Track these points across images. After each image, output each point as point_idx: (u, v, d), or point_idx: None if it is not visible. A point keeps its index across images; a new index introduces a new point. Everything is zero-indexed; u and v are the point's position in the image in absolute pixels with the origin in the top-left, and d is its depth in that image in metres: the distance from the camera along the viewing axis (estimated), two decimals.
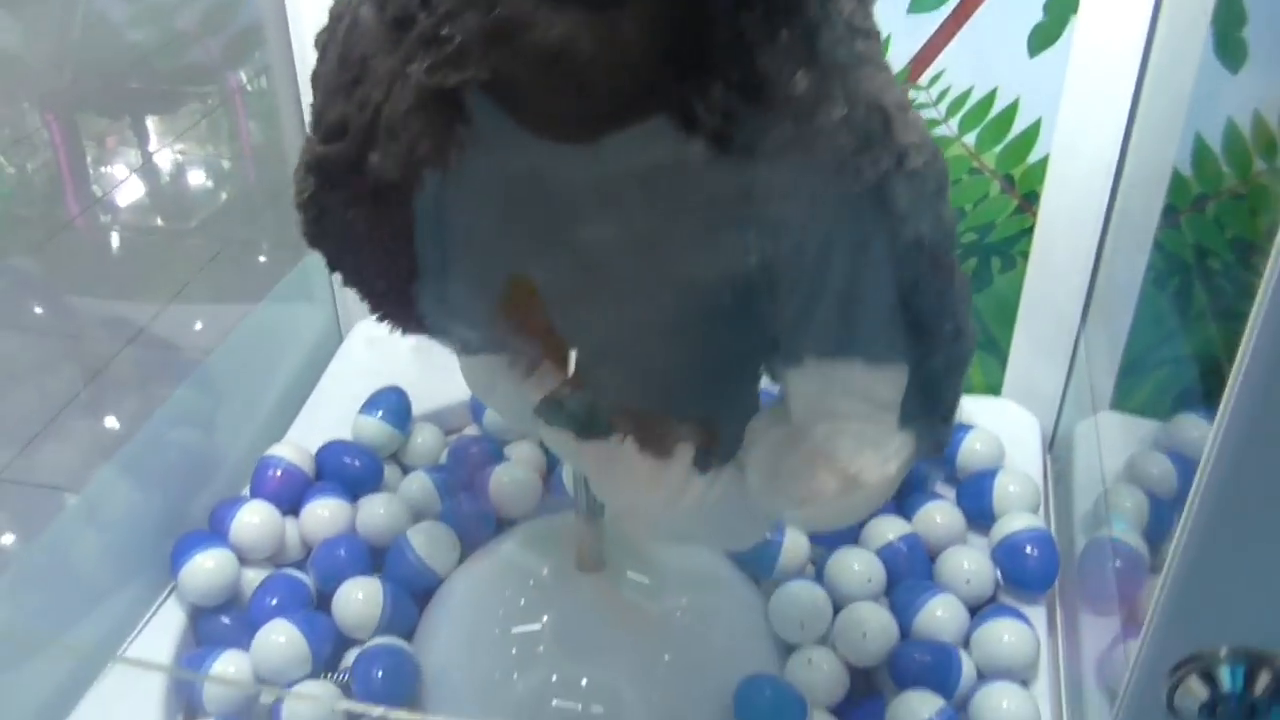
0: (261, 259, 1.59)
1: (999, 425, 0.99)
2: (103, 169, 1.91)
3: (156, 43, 2.05)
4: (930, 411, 0.54)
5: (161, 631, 0.89)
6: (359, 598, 0.86)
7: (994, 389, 1.06)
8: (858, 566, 0.86)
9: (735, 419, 0.59)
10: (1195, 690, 0.32)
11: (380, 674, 0.80)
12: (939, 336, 0.52)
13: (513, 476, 0.95)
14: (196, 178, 1.95)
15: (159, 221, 1.87)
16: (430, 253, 0.54)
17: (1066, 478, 0.99)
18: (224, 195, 1.91)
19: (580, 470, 0.66)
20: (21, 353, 1.35)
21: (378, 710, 0.71)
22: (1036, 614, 0.86)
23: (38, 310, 1.45)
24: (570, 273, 0.53)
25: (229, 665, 0.84)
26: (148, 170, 1.91)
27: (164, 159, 1.95)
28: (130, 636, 0.89)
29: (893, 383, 0.52)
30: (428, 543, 0.90)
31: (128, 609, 0.90)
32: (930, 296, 0.50)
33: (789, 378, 0.55)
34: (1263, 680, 0.32)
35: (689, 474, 0.58)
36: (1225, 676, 0.32)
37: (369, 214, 0.52)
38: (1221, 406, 0.31)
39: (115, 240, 1.77)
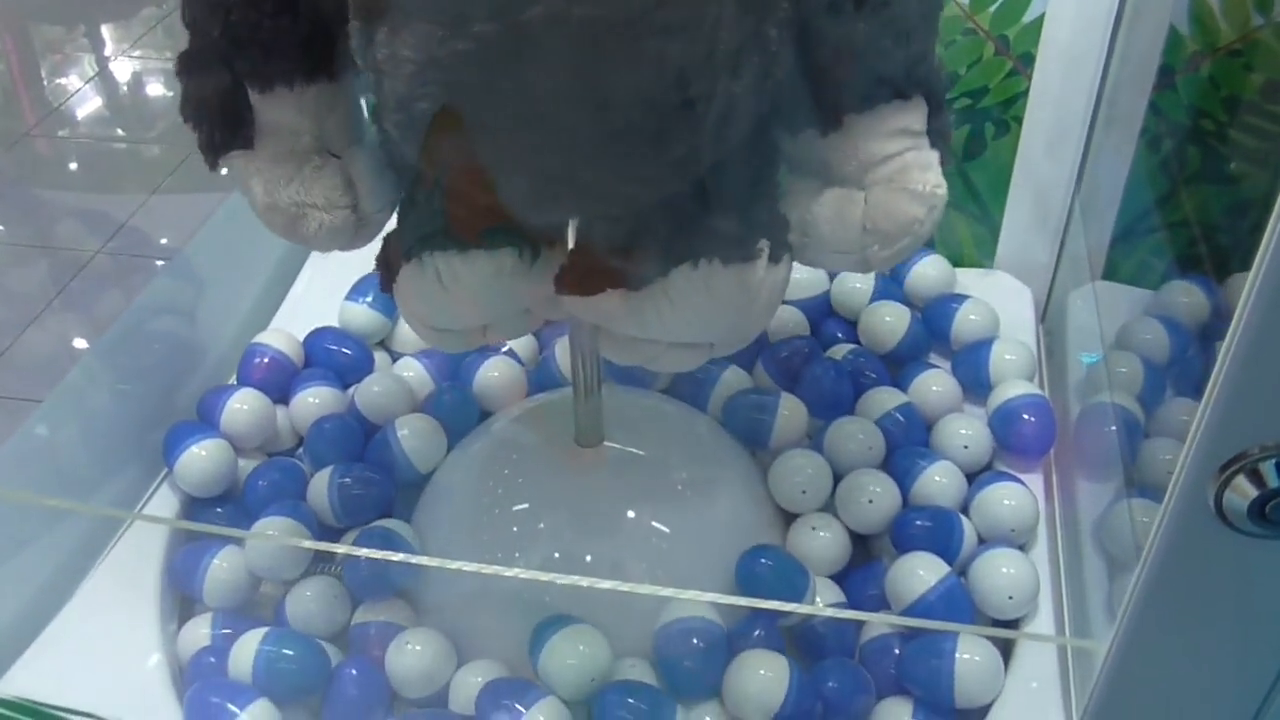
0: None
1: (993, 297, 0.98)
2: (58, 80, 1.87)
3: None
4: (936, 117, 0.59)
5: (153, 524, 0.87)
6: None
7: (987, 261, 1.05)
8: (861, 435, 0.85)
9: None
10: (1244, 490, 0.31)
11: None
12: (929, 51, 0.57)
13: (499, 369, 0.94)
14: (155, 85, 1.90)
15: (119, 130, 1.83)
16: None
17: (1060, 347, 0.98)
18: None
19: (601, 320, 0.65)
20: None
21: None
22: (1033, 481, 0.86)
23: None
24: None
25: (224, 561, 0.82)
26: (105, 79, 1.87)
27: (121, 67, 1.90)
28: (121, 529, 0.87)
29: (921, 110, 0.58)
30: (412, 436, 0.88)
31: (118, 500, 0.89)
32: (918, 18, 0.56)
33: (830, 144, 0.58)
34: None
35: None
36: (1275, 474, 0.31)
37: None
38: (1276, 209, 0.30)
39: (75, 149, 1.73)
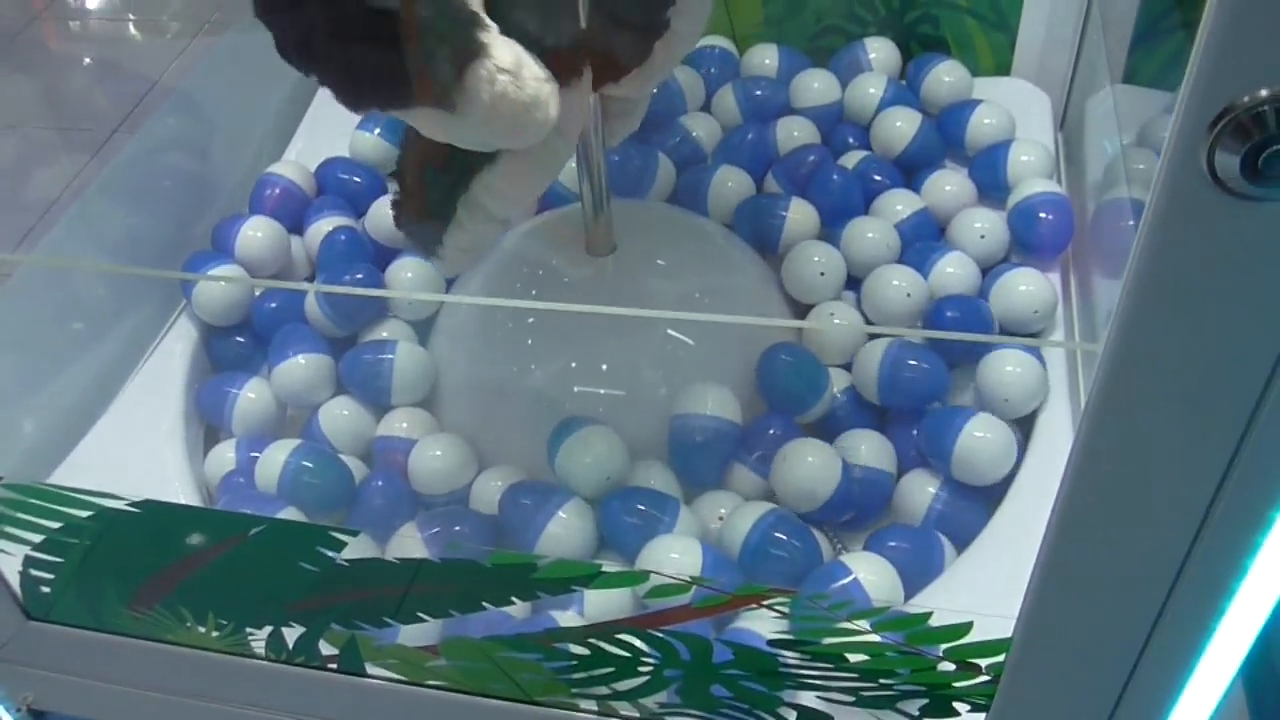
0: None
1: (1010, 103, 0.96)
2: None
3: None
4: None
5: (172, 354, 0.88)
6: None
7: (1004, 69, 1.02)
8: (873, 234, 0.85)
9: None
10: (1236, 143, 0.31)
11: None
12: None
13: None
14: None
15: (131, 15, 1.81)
16: None
17: (1078, 153, 0.96)
18: None
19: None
20: None
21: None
22: (1051, 279, 0.85)
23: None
24: None
25: (252, 392, 0.84)
26: None
27: None
28: (144, 357, 0.88)
29: None
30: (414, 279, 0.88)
31: (137, 332, 0.90)
32: None
33: None
34: None
35: None
36: (1267, 122, 0.30)
37: None
38: None
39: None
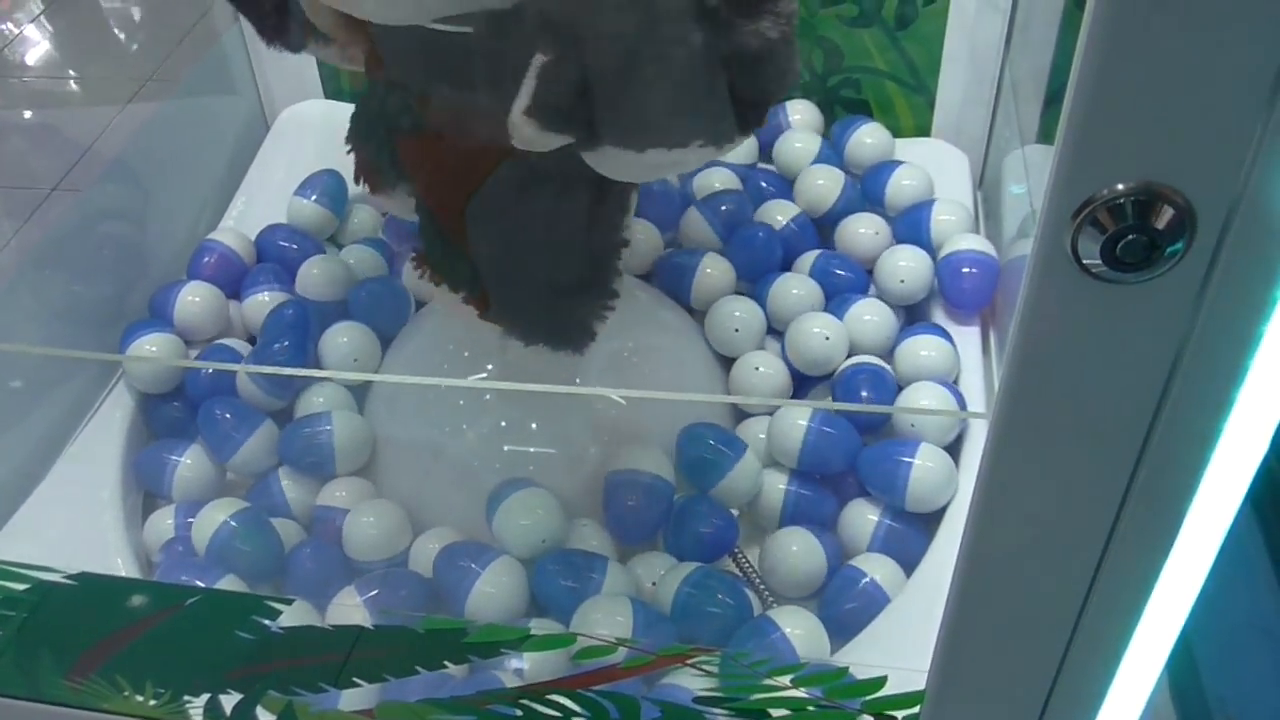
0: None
1: (930, 164, 1.00)
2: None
3: None
4: None
5: (110, 421, 0.89)
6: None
7: (924, 130, 1.06)
8: (796, 290, 0.88)
9: None
10: (1096, 231, 0.33)
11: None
12: None
13: None
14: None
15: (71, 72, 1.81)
16: None
17: (997, 210, 1.00)
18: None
19: None
20: None
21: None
22: (972, 332, 0.88)
23: None
24: None
25: (191, 459, 0.85)
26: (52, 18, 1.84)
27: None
28: (79, 426, 0.89)
29: None
30: (348, 343, 0.90)
31: (74, 402, 0.90)
32: None
33: None
34: (1163, 215, 0.33)
35: None
36: (1124, 213, 0.33)
37: None
38: None
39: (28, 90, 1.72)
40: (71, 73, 1.80)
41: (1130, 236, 0.33)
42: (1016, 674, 0.47)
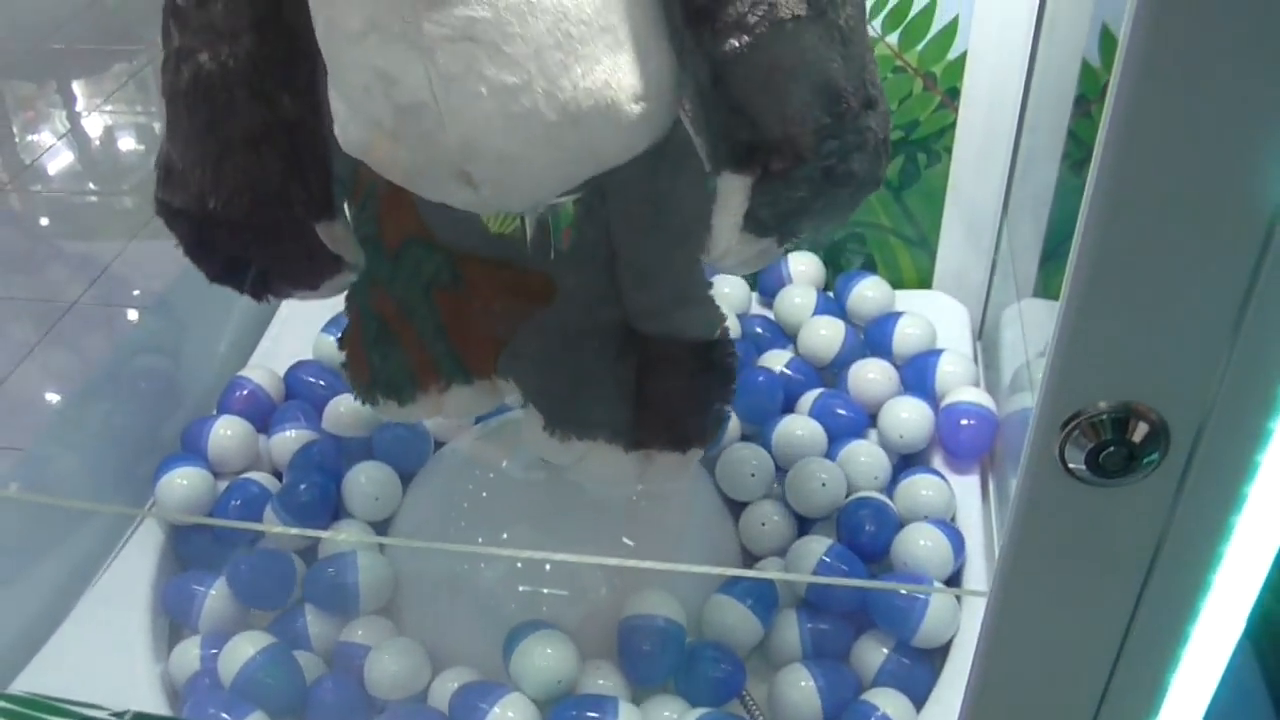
0: None
1: (931, 316, 1.05)
2: (30, 137, 1.91)
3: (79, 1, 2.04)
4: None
5: (141, 550, 0.92)
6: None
7: (925, 283, 1.11)
8: (800, 431, 0.92)
9: None
10: (1081, 442, 0.37)
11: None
12: None
13: None
14: (127, 140, 1.95)
15: (91, 185, 1.87)
16: None
17: (995, 361, 1.04)
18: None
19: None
20: None
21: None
22: (971, 481, 0.92)
23: None
24: None
25: (218, 591, 0.88)
26: (78, 134, 1.91)
27: (94, 122, 1.95)
28: (111, 555, 0.92)
29: None
30: (368, 483, 0.93)
31: (107, 533, 0.93)
32: None
33: None
34: (1140, 430, 0.37)
35: None
36: (1106, 428, 0.37)
37: None
38: (1090, 174, 0.35)
39: (49, 203, 1.78)
40: (92, 186, 1.87)
41: (1111, 448, 0.37)
42: None
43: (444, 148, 0.54)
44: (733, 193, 0.57)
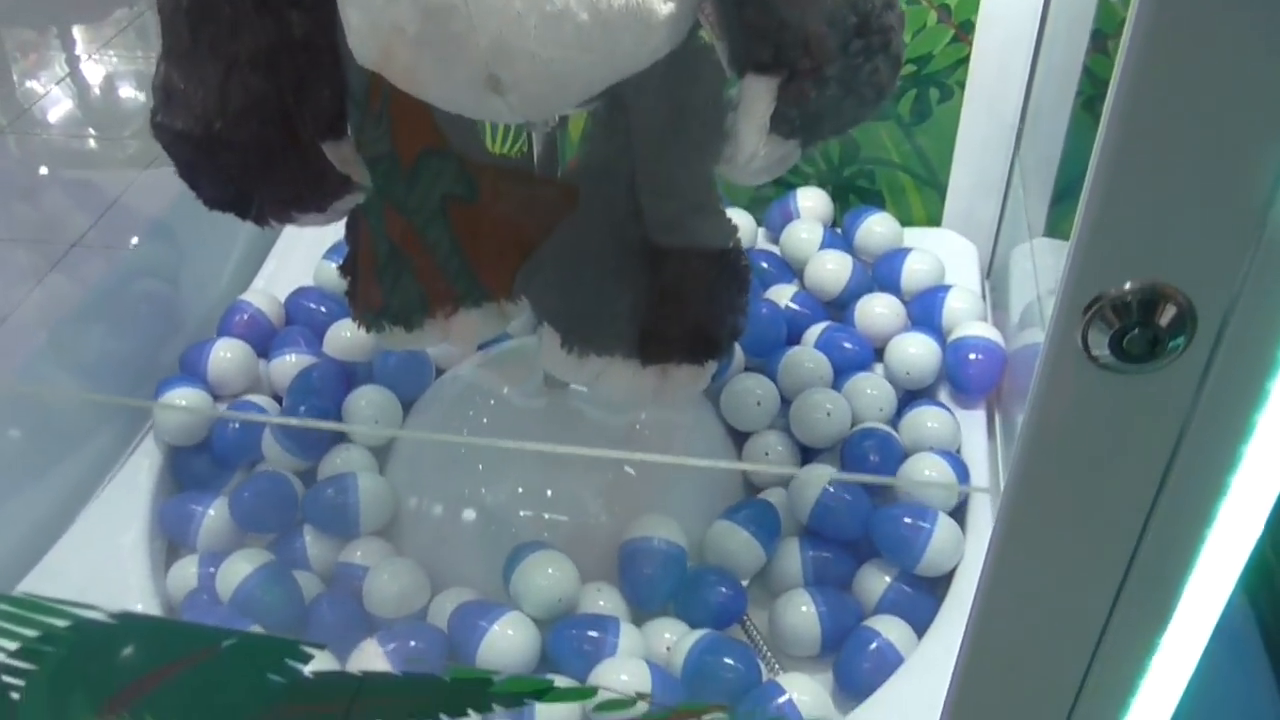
0: None
1: (940, 254, 1.03)
2: (28, 83, 1.90)
3: None
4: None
5: (138, 471, 0.92)
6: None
7: (934, 220, 1.10)
8: (809, 363, 0.91)
9: None
10: (1104, 325, 0.36)
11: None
12: None
13: None
14: (127, 87, 1.93)
15: (91, 130, 1.86)
16: None
17: (1004, 300, 1.03)
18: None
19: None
20: None
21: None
22: (976, 417, 0.91)
23: None
24: None
25: (216, 512, 0.87)
26: (77, 79, 1.90)
27: (93, 67, 1.93)
28: (108, 475, 0.92)
29: None
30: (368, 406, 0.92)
31: (104, 454, 0.93)
32: None
33: None
34: (1167, 312, 0.36)
35: None
36: (1131, 310, 0.36)
37: None
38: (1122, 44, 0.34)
39: (50, 148, 1.76)
40: (92, 131, 1.86)
41: (1135, 331, 0.36)
42: None
43: (472, 51, 0.53)
44: (759, 96, 0.56)
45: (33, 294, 1.29)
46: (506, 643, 0.72)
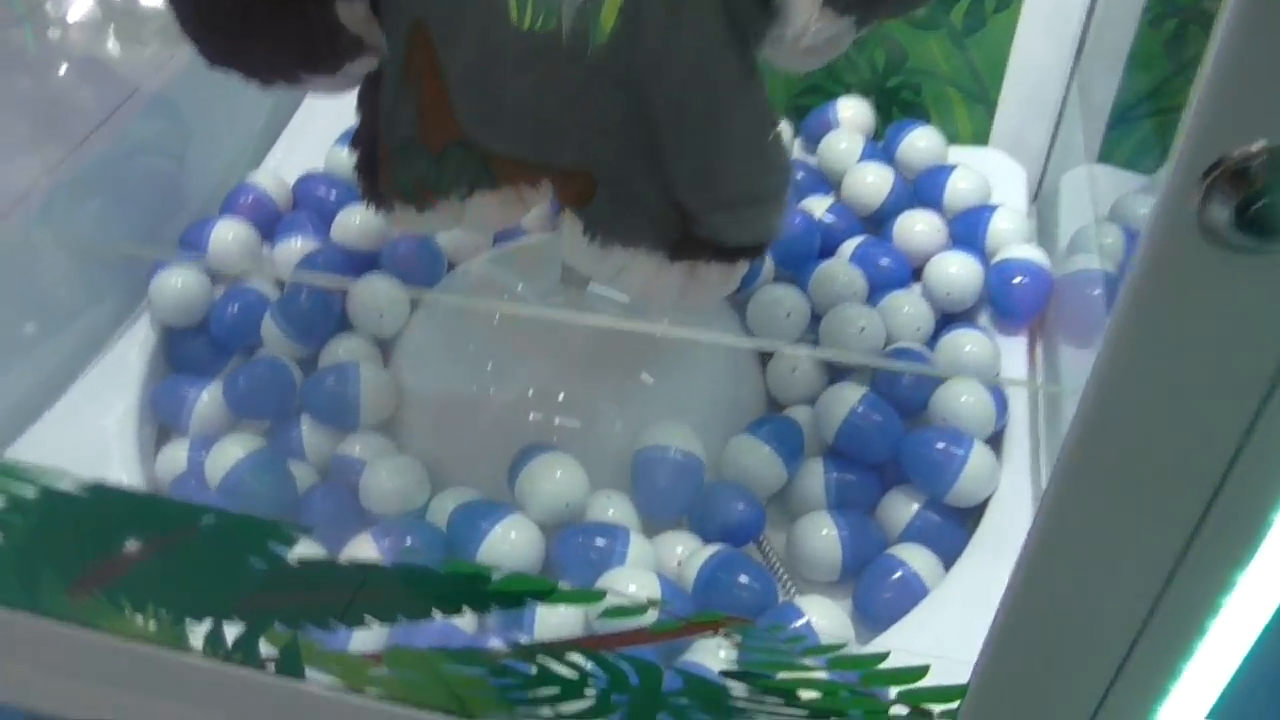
0: None
1: (986, 174, 0.98)
2: None
3: None
4: None
5: (132, 348, 0.87)
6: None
7: (981, 139, 1.04)
8: (843, 276, 0.86)
9: None
10: (1227, 193, 0.31)
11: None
12: None
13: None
14: None
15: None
16: None
17: (1050, 227, 0.98)
18: None
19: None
20: None
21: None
22: (1017, 345, 0.86)
23: None
24: None
25: (210, 396, 0.83)
26: None
27: None
28: (100, 352, 0.87)
29: None
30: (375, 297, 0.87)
31: (94, 326, 0.89)
32: None
33: None
34: None
35: None
36: (1259, 175, 0.31)
37: None
38: None
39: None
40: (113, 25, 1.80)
41: (1262, 200, 0.31)
42: (1069, 680, 0.45)
43: None
44: None
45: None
46: (508, 545, 0.68)
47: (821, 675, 0.48)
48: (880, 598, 0.70)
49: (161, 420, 0.84)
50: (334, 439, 0.80)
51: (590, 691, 0.51)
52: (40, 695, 0.65)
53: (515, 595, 0.50)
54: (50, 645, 0.60)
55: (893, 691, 0.48)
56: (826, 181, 0.98)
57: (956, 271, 0.87)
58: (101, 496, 0.53)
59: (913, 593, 0.70)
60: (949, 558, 0.72)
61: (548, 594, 0.49)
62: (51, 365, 0.85)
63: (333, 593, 0.52)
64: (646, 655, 0.51)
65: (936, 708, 0.48)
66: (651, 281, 0.67)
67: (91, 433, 0.81)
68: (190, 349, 0.88)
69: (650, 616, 0.49)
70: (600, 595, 0.49)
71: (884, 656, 0.47)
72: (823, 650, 0.48)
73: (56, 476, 0.53)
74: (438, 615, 0.51)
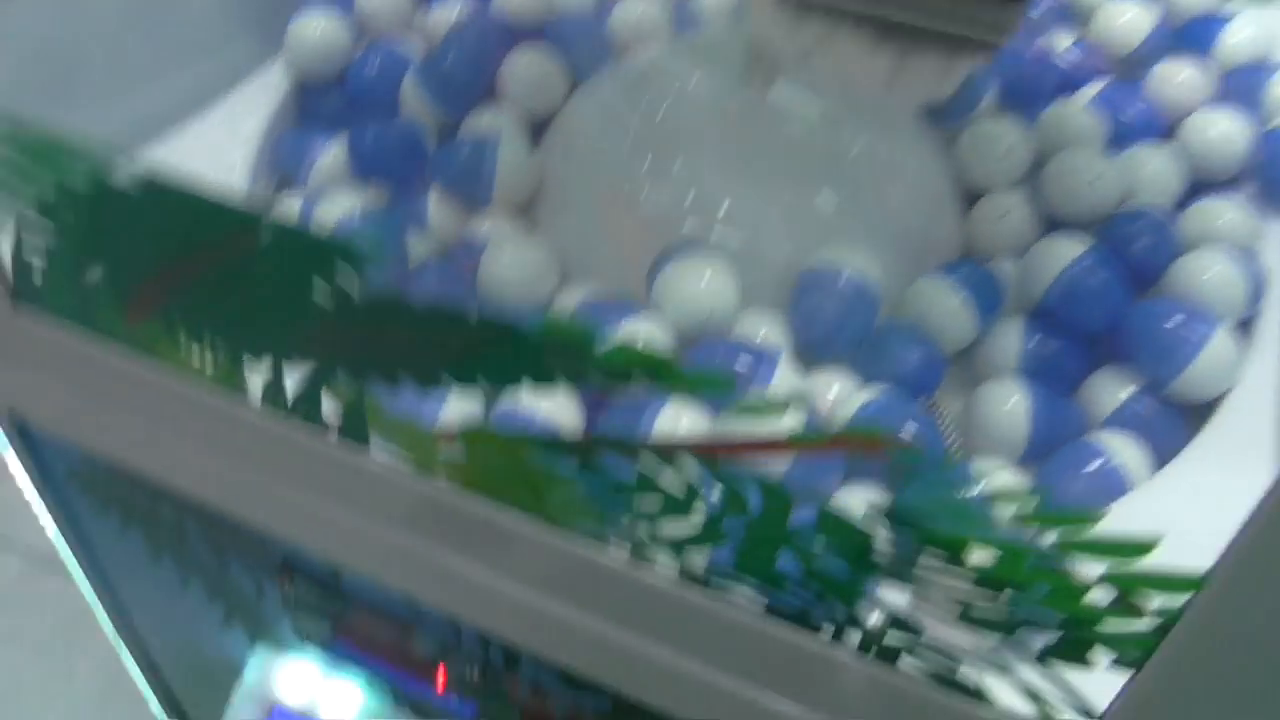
0: None
1: (1272, 30, 0.81)
2: None
3: None
4: None
5: (261, 93, 0.79)
6: None
7: None
8: (1078, 117, 0.71)
9: None
10: None
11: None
12: None
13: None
14: None
15: None
16: None
17: None
18: None
19: None
20: None
21: None
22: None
23: None
24: None
25: (335, 150, 0.74)
26: None
27: None
28: (225, 92, 0.79)
29: None
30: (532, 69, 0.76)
31: (226, 67, 0.80)
32: None
33: None
34: None
35: None
36: None
37: None
38: None
39: None
40: None
41: None
42: None
43: None
44: None
45: None
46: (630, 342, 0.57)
47: (999, 535, 0.36)
48: (1069, 487, 0.57)
49: (281, 170, 0.76)
50: (461, 216, 0.70)
51: (698, 511, 0.40)
52: (93, 431, 0.58)
53: (624, 372, 0.39)
54: (107, 373, 0.52)
55: (1095, 571, 0.36)
56: (1073, 16, 0.83)
57: (1222, 131, 0.72)
58: (152, 191, 0.44)
59: (1109, 488, 0.57)
60: (1162, 456, 0.59)
61: (661, 371, 0.38)
62: (177, 97, 0.77)
63: (408, 337, 0.42)
64: (778, 478, 0.39)
65: (1153, 603, 0.35)
66: (853, 61, 0.55)
67: (207, 167, 0.73)
68: (322, 102, 0.80)
69: (791, 420, 0.38)
70: (730, 382, 0.38)
71: (1096, 517, 0.35)
72: (1014, 497, 0.36)
73: (106, 155, 0.44)
74: (528, 384, 0.41)
